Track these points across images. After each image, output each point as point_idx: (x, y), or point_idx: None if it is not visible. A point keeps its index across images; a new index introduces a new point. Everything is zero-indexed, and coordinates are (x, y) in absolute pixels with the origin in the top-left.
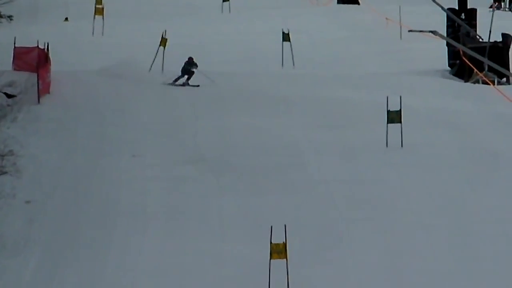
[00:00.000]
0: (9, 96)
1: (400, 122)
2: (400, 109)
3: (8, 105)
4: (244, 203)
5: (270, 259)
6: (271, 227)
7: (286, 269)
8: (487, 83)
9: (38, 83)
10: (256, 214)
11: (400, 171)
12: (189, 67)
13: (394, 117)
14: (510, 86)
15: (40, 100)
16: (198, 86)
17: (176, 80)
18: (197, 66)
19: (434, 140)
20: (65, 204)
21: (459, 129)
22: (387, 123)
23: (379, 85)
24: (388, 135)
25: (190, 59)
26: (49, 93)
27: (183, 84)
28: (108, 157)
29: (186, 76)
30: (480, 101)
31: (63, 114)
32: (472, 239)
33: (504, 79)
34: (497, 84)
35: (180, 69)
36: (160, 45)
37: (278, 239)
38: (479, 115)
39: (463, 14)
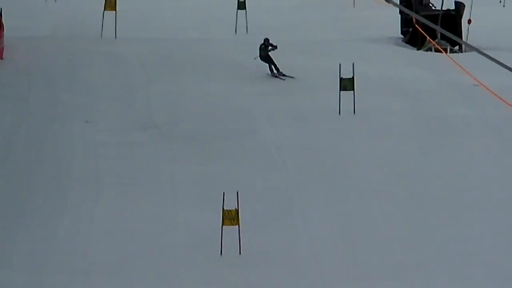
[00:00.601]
0: None
1: (353, 89)
2: (353, 77)
3: None
4: (197, 169)
5: (222, 225)
6: (223, 193)
7: (238, 235)
8: (439, 51)
9: None
10: (209, 180)
11: (352, 138)
12: (266, 51)
13: (346, 84)
14: (462, 54)
15: None
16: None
17: (273, 73)
18: (276, 47)
19: (386, 107)
20: (18, 169)
21: (411, 97)
22: (340, 90)
23: (332, 52)
24: (341, 102)
25: (266, 41)
26: (2, 58)
27: (278, 76)
28: (61, 122)
29: (272, 66)
30: (432, 69)
31: (16, 80)
32: (424, 205)
33: (457, 47)
34: (450, 52)
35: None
36: (105, 9)
37: (230, 205)
38: (432, 82)
39: None
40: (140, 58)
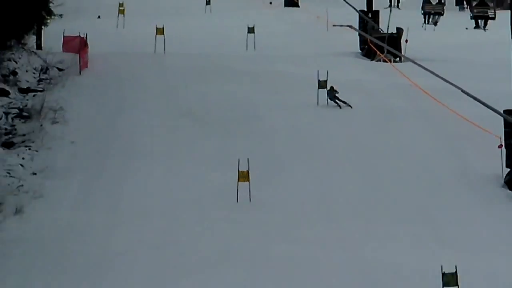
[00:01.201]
0: (60, 69)
1: (327, 88)
2: (326, 79)
3: (59, 76)
4: (220, 144)
5: (238, 182)
6: (238, 160)
7: (248, 188)
8: (386, 61)
9: (79, 61)
10: (228, 151)
11: (326, 121)
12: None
13: (323, 84)
14: (401, 63)
15: (81, 72)
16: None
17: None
18: (337, 92)
19: (350, 100)
20: (98, 144)
21: (366, 93)
22: (318, 88)
23: (312, 63)
24: (319, 97)
25: (332, 88)
26: (87, 67)
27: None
28: (127, 112)
29: (337, 102)
30: (381, 74)
31: (96, 82)
32: (376, 168)
33: (398, 59)
34: (393, 62)
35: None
36: (156, 34)
37: (243, 168)
38: (380, 83)
39: (370, 14)
40: (180, 67)
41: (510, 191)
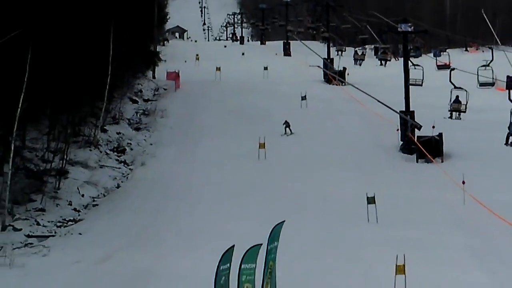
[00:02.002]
0: (164, 89)
1: (306, 99)
2: (305, 95)
3: (164, 92)
4: (249, 128)
5: (259, 148)
6: (259, 137)
7: (264, 152)
8: (337, 85)
9: (175, 84)
10: (253, 132)
11: (306, 116)
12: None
13: (303, 97)
14: (345, 86)
15: (176, 90)
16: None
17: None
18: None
19: (317, 106)
20: (184, 128)
21: (326, 101)
22: (301, 100)
23: (296, 85)
24: (301, 104)
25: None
26: (179, 88)
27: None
28: (199, 111)
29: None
30: (334, 91)
31: (184, 95)
32: (331, 142)
33: (343, 83)
34: (342, 85)
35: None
36: (216, 70)
37: (261, 141)
38: (333, 96)
39: (328, 59)
40: (228, 87)
41: (403, 154)
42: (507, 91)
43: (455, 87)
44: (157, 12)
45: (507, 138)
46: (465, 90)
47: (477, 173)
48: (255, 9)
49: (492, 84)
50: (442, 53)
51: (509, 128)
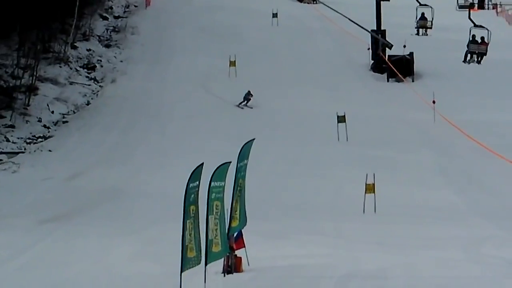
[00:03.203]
0: (135, 6)
1: (277, 17)
2: (277, 13)
3: (135, 10)
4: (219, 45)
5: (230, 66)
6: (230, 55)
7: (235, 70)
8: (309, 3)
9: (145, 1)
10: (223, 48)
11: (277, 33)
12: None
13: (275, 15)
14: (317, 4)
15: (147, 8)
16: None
17: (240, 103)
18: (252, 95)
19: (289, 24)
20: (155, 45)
21: (298, 20)
22: (272, 18)
23: (267, 3)
24: (273, 22)
25: (249, 91)
26: (150, 5)
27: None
28: (171, 28)
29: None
30: (306, 9)
31: (154, 13)
32: (307, 61)
33: (316, 2)
34: (314, 3)
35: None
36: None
37: (232, 58)
38: (306, 14)
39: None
40: (200, 5)
41: (374, 73)
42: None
43: (420, 5)
44: None
45: (465, 56)
46: (430, 7)
47: (448, 92)
48: None
49: (472, 6)
50: None
51: (467, 46)
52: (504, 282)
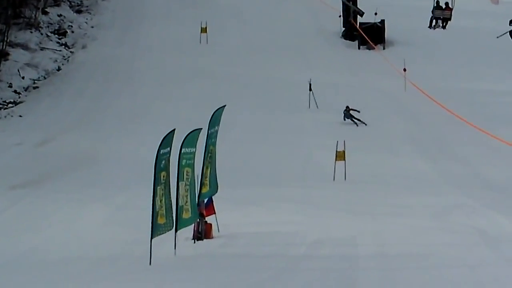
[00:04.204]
0: None
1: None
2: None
3: None
4: (191, 11)
5: (201, 32)
6: (201, 22)
7: (206, 37)
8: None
9: None
10: (195, 14)
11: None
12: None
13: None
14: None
15: None
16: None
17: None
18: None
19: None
20: (127, 12)
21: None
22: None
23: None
24: None
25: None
26: None
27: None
28: None
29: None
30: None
31: None
32: (281, 35)
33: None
34: None
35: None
36: None
37: (203, 24)
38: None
39: None
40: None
41: (345, 40)
42: None
43: None
44: None
45: (431, 21)
46: None
47: (419, 60)
48: None
49: None
50: None
51: (432, 12)
52: (473, 249)
